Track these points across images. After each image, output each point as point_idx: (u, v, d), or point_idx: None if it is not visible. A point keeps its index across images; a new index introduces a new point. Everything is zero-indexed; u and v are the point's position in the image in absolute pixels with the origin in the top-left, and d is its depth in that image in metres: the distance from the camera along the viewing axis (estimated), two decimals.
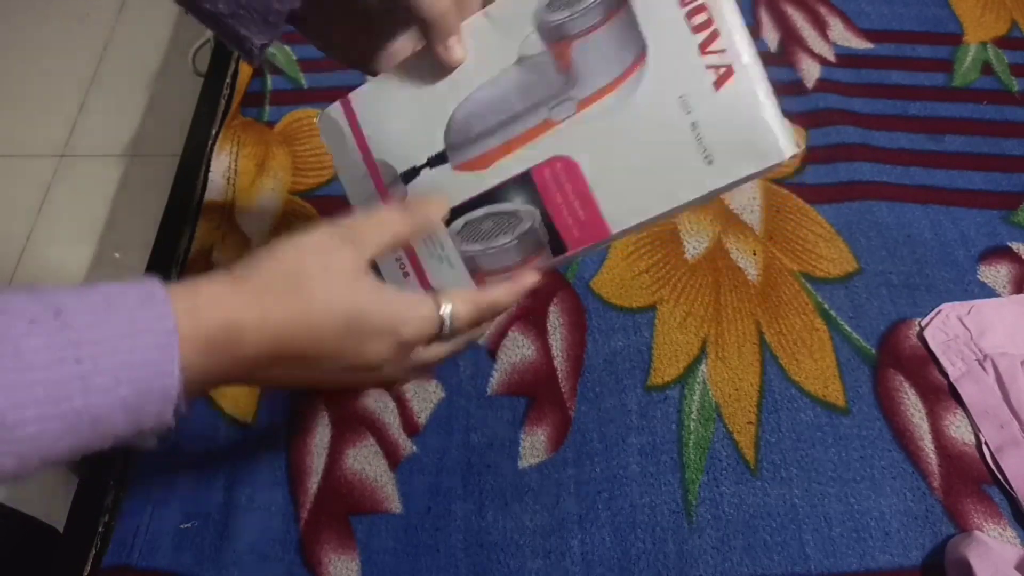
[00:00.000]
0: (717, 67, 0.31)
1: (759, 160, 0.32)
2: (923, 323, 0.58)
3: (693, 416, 0.53)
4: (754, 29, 0.78)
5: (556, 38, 0.34)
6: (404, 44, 0.40)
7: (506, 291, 0.38)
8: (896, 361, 0.56)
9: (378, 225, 0.35)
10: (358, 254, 0.33)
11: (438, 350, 0.37)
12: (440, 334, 0.36)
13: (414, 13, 0.34)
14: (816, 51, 0.76)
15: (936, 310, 0.58)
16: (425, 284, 0.40)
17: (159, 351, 0.27)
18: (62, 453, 0.26)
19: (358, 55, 0.41)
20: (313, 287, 0.31)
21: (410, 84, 0.37)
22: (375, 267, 0.36)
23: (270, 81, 0.72)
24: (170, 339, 0.27)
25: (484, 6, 0.36)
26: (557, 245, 0.37)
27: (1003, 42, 0.78)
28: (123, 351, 0.26)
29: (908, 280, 0.60)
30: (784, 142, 0.31)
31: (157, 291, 0.28)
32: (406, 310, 0.34)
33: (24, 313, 0.25)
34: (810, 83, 0.73)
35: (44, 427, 0.25)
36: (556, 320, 0.58)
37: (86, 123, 1.38)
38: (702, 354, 0.56)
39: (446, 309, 0.35)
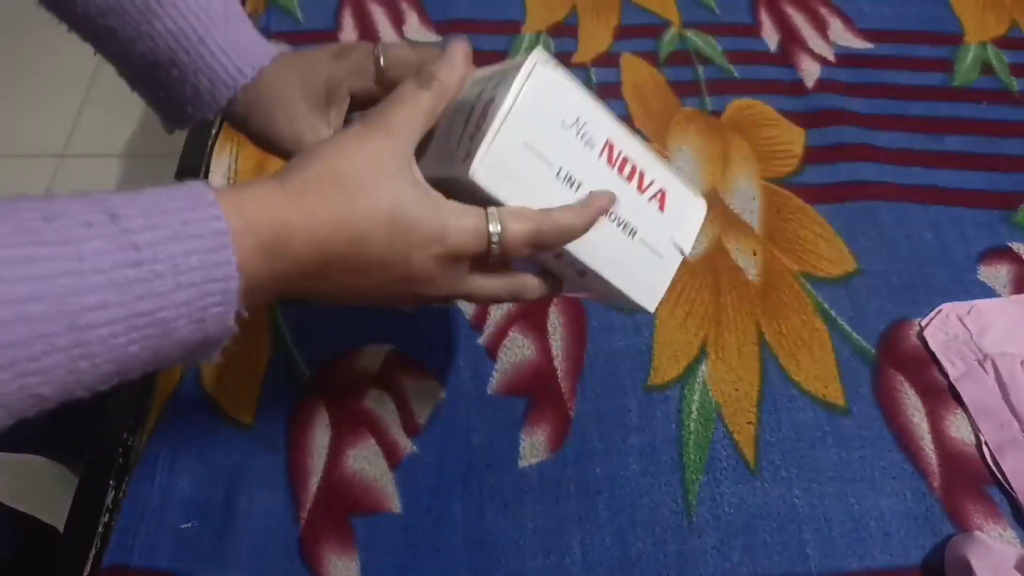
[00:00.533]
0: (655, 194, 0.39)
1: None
2: (923, 323, 0.58)
3: (693, 416, 0.53)
4: (754, 29, 0.78)
5: None
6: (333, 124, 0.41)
7: (576, 213, 0.34)
8: (896, 361, 0.56)
9: (410, 109, 0.33)
10: (399, 145, 0.32)
11: (488, 283, 0.35)
12: (489, 253, 0.33)
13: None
14: (816, 51, 0.76)
15: (936, 310, 0.58)
16: None
17: (213, 253, 0.27)
18: (133, 362, 0.26)
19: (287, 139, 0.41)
20: (358, 185, 0.30)
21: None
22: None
23: None
24: (224, 240, 0.27)
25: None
26: None
27: (1003, 42, 0.78)
28: (179, 254, 0.26)
29: (908, 280, 0.60)
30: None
31: (206, 193, 0.27)
32: (452, 215, 0.32)
33: (80, 216, 0.25)
34: (810, 83, 0.73)
35: (114, 329, 0.25)
36: (556, 320, 0.58)
37: (86, 123, 1.38)
38: (702, 354, 0.56)
39: (495, 227, 0.32)
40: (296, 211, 0.29)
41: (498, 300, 0.37)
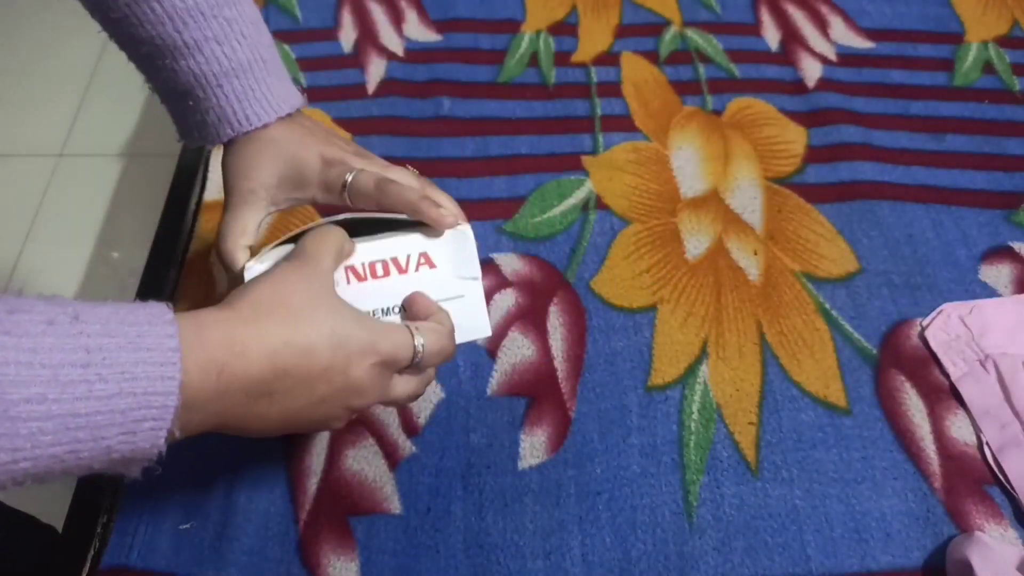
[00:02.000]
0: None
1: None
2: (924, 323, 0.58)
3: (694, 416, 0.53)
4: (755, 28, 0.78)
5: None
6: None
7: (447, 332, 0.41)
8: (897, 361, 0.56)
9: (325, 243, 0.38)
10: (326, 276, 0.37)
11: (409, 384, 0.40)
12: (413, 363, 0.38)
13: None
14: (817, 50, 0.76)
15: (937, 310, 0.58)
16: None
17: (162, 367, 0.28)
18: (52, 465, 0.27)
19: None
20: (300, 308, 0.34)
21: None
22: None
23: None
24: (173, 357, 0.28)
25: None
26: None
27: (1004, 41, 0.78)
28: (127, 363, 0.27)
29: (909, 280, 0.60)
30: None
31: (165, 313, 0.29)
32: (380, 330, 0.36)
33: (44, 315, 0.26)
34: (811, 82, 0.73)
35: (43, 426, 0.25)
36: (556, 320, 0.57)
37: (85, 123, 1.37)
38: (703, 354, 0.56)
39: (419, 340, 0.38)
40: (248, 330, 0.32)
41: (415, 396, 0.41)
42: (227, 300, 0.33)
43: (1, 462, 0.25)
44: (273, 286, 0.34)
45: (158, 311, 0.29)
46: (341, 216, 0.42)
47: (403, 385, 0.39)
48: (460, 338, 0.43)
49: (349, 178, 0.43)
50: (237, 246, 0.43)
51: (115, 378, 0.27)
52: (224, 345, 0.31)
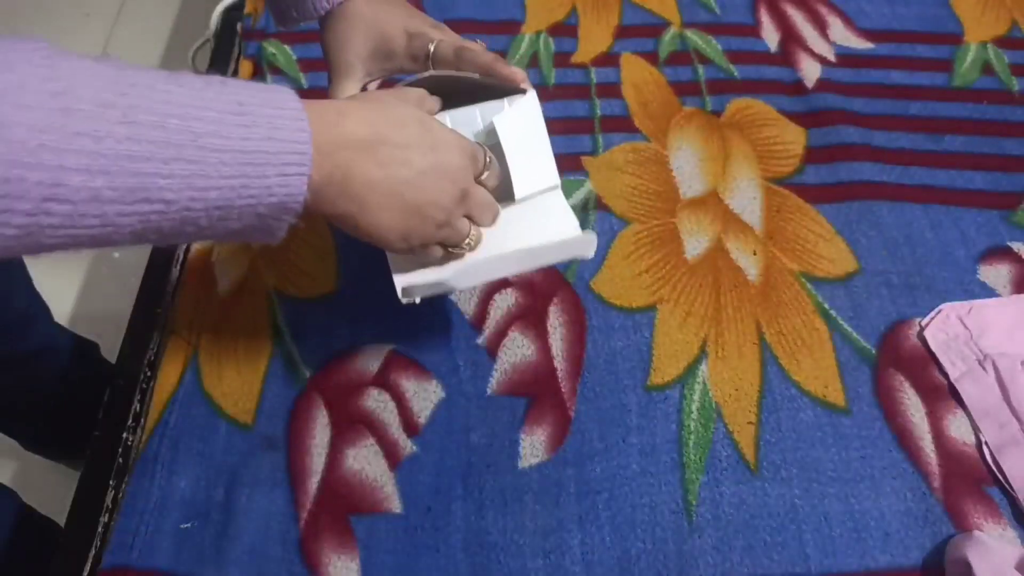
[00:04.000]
0: None
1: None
2: (923, 323, 0.58)
3: (693, 416, 0.53)
4: (754, 29, 0.78)
5: None
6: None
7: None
8: (896, 361, 0.56)
9: (406, 93, 0.43)
10: (408, 97, 0.42)
11: (484, 195, 0.45)
12: (485, 168, 0.44)
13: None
14: (816, 51, 0.76)
15: (936, 310, 0.58)
16: None
17: (296, 121, 0.33)
18: (230, 196, 0.31)
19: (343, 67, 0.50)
20: (392, 102, 0.40)
21: None
22: None
23: (270, 81, 0.72)
24: (301, 115, 0.34)
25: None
26: None
27: (1003, 42, 0.78)
28: (271, 116, 0.32)
29: (908, 280, 0.60)
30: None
31: (285, 87, 0.35)
32: (455, 137, 0.42)
33: (200, 78, 0.32)
34: (810, 83, 0.73)
35: (222, 157, 0.31)
36: (556, 320, 0.58)
37: None
38: (702, 354, 0.56)
39: (486, 153, 0.44)
40: (350, 105, 0.38)
41: (489, 214, 0.45)
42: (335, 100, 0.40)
43: (198, 187, 0.30)
44: (371, 94, 0.41)
45: (278, 88, 0.34)
46: (422, 75, 0.46)
47: (481, 195, 0.44)
48: (530, 188, 0.48)
49: (431, 47, 0.48)
50: None
51: (265, 125, 0.32)
52: (333, 109, 0.37)
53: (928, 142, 0.70)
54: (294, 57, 0.74)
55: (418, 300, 0.45)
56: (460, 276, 0.44)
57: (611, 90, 0.72)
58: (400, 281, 0.45)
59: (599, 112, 0.71)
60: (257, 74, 0.73)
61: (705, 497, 0.50)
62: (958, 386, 0.55)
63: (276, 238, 0.36)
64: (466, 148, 0.42)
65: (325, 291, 0.59)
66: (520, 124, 0.47)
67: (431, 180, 0.40)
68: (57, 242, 0.28)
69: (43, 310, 0.71)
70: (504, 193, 0.47)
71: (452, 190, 0.41)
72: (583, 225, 0.62)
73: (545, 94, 0.72)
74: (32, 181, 0.26)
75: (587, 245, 0.46)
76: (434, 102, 0.46)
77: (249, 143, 0.31)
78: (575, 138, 0.69)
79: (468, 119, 0.47)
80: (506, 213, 0.47)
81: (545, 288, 0.59)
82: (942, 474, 0.52)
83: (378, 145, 0.37)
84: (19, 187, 0.26)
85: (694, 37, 0.77)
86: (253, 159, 0.31)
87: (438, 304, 0.58)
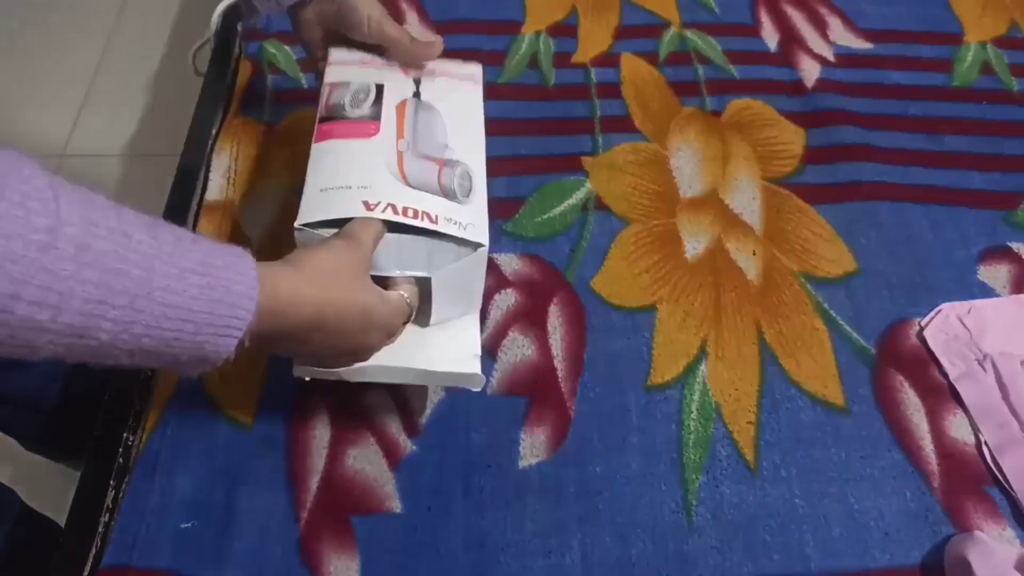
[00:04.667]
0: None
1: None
2: (923, 323, 0.58)
3: (693, 416, 0.53)
4: (754, 29, 0.78)
5: None
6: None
7: None
8: (896, 361, 0.56)
9: (368, 228, 0.44)
10: (367, 256, 0.43)
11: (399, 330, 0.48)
12: (408, 318, 0.46)
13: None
14: (816, 51, 0.76)
15: (936, 310, 0.58)
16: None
17: (250, 289, 0.35)
18: (159, 343, 0.32)
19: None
20: (347, 281, 0.41)
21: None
22: None
23: (270, 81, 0.72)
24: (255, 283, 0.35)
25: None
26: None
27: (1003, 42, 0.78)
28: (229, 280, 0.34)
29: (908, 280, 0.60)
30: None
31: (247, 255, 0.36)
32: (394, 304, 0.44)
33: (175, 232, 0.33)
34: (810, 83, 0.73)
35: (167, 311, 0.31)
36: (556, 320, 0.58)
37: (86, 123, 1.38)
38: (702, 354, 0.56)
39: (411, 303, 0.46)
40: (308, 290, 0.39)
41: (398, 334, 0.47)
42: (296, 259, 0.41)
43: (134, 333, 0.31)
44: (331, 257, 0.42)
45: (243, 253, 0.36)
46: (383, 215, 0.45)
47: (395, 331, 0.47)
48: (446, 319, 0.48)
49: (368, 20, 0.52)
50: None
51: (219, 288, 0.33)
52: (290, 293, 0.38)
53: (928, 142, 0.70)
54: (294, 57, 0.74)
55: (308, 379, 0.46)
56: (353, 372, 0.46)
57: (611, 90, 0.72)
58: (298, 370, 0.46)
59: (599, 112, 0.71)
60: (257, 74, 0.73)
61: (705, 497, 0.50)
62: (958, 386, 0.55)
63: (186, 376, 0.37)
64: (397, 316, 0.44)
65: None
66: (458, 276, 0.46)
67: (350, 349, 0.44)
68: None
69: None
70: (421, 311, 0.48)
71: (367, 349, 0.45)
72: (582, 224, 0.62)
73: (545, 94, 0.72)
74: None
75: (474, 381, 0.47)
76: (381, 231, 0.45)
77: (197, 303, 0.33)
78: (575, 138, 0.69)
79: (414, 252, 0.45)
80: (416, 328, 0.48)
81: (545, 288, 0.59)
82: (942, 474, 0.52)
83: (313, 332, 0.40)
84: None
85: (694, 37, 0.77)
86: (195, 317, 0.33)
87: None
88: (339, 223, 0.44)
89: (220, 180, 0.65)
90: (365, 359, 0.45)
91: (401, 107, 0.51)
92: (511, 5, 0.79)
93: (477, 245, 0.45)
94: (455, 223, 0.44)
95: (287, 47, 0.75)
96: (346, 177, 0.46)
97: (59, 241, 0.28)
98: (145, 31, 1.46)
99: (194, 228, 0.63)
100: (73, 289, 0.28)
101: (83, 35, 1.47)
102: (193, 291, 0.33)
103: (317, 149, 0.48)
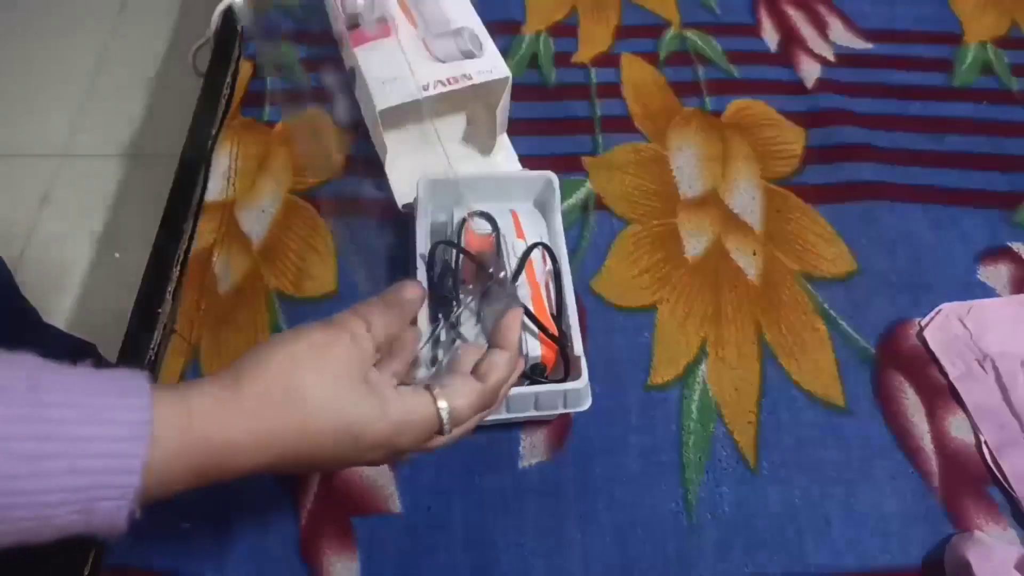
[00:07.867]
0: None
1: None
2: (923, 323, 0.58)
3: (693, 416, 0.53)
4: (754, 29, 0.78)
5: None
6: None
7: (506, 363, 0.37)
8: (896, 361, 0.56)
9: (362, 316, 0.34)
10: (364, 351, 0.33)
11: (440, 441, 0.36)
12: (442, 430, 0.34)
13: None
14: (816, 51, 0.76)
15: (936, 310, 0.58)
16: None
17: (124, 444, 0.25)
18: None
19: None
20: (320, 405, 0.30)
21: None
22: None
23: (270, 81, 0.72)
24: (141, 432, 0.26)
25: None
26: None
27: (1003, 42, 0.78)
28: (86, 438, 0.25)
29: (908, 280, 0.60)
30: None
31: (141, 384, 0.27)
32: (403, 417, 0.32)
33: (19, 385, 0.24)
34: (810, 83, 0.73)
35: None
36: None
37: (86, 123, 1.38)
38: (702, 354, 0.56)
39: (443, 405, 0.34)
40: (245, 428, 0.28)
41: (467, 432, 0.38)
42: (229, 375, 0.30)
43: None
44: (292, 369, 0.30)
45: (135, 382, 0.26)
46: (435, 92, 0.56)
47: (433, 444, 0.36)
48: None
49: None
50: None
51: (69, 454, 0.24)
52: (216, 446, 0.28)
53: (928, 142, 0.70)
54: (299, 57, 0.74)
55: None
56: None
57: (611, 90, 0.72)
58: None
59: (599, 112, 0.71)
60: (257, 74, 0.73)
61: (705, 497, 0.50)
62: (958, 386, 0.55)
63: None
64: (406, 446, 0.34)
65: (325, 291, 0.59)
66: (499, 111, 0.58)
67: (352, 464, 0.35)
68: None
69: (32, 312, 0.70)
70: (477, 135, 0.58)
71: (380, 463, 0.36)
72: (582, 224, 0.62)
73: (545, 94, 0.72)
74: None
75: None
76: (421, 296, 0.37)
77: (30, 482, 0.24)
78: (575, 138, 0.69)
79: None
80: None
81: None
82: (942, 474, 0.52)
83: (277, 466, 0.31)
84: None
85: (694, 37, 0.77)
86: (32, 500, 0.25)
87: None
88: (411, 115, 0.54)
89: (220, 180, 0.65)
90: (400, 459, 0.37)
91: (402, 2, 0.61)
92: (511, 5, 0.79)
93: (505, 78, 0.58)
94: (486, 72, 0.58)
95: (287, 47, 0.75)
96: (396, 69, 0.56)
97: None
98: (145, 31, 1.46)
99: (194, 228, 0.63)
100: None
101: (83, 35, 1.47)
102: (21, 467, 0.24)
103: (361, 51, 0.58)
